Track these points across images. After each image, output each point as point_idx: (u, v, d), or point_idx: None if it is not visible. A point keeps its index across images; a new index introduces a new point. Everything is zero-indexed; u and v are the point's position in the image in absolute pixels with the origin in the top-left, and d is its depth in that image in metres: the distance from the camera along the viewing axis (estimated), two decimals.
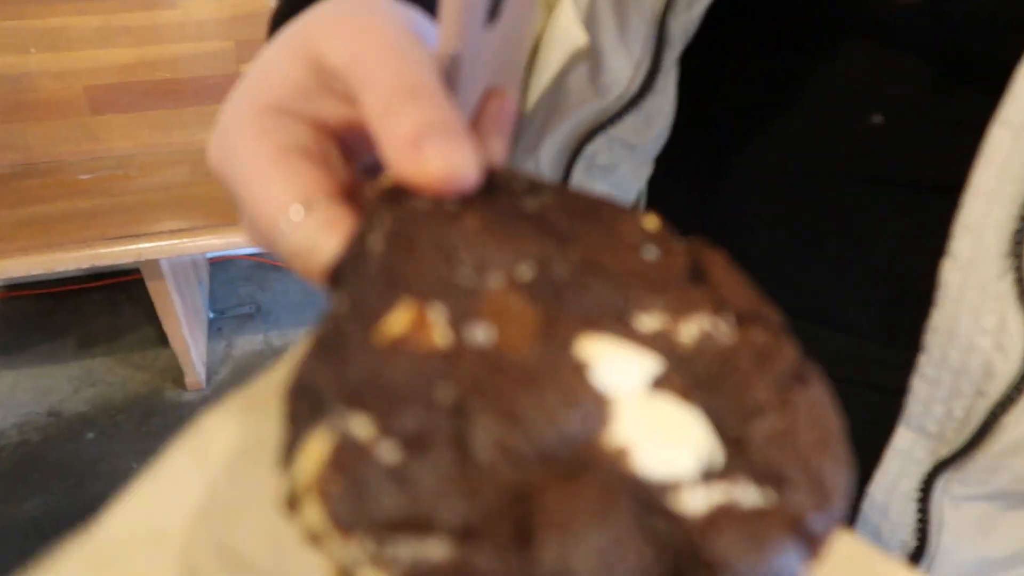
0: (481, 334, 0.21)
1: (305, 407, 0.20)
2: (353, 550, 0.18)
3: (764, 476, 0.20)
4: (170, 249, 1.45)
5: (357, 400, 0.19)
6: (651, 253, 0.24)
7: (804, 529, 0.19)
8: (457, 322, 0.21)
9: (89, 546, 0.24)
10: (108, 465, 1.52)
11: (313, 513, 0.18)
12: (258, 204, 0.25)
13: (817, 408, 0.21)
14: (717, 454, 0.20)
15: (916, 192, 0.35)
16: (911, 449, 0.34)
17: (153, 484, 0.25)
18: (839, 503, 0.20)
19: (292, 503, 0.19)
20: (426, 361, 0.20)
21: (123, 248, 1.42)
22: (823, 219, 0.38)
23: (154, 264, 1.51)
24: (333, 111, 0.26)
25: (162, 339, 1.65)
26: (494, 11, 0.26)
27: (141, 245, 1.43)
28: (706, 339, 0.22)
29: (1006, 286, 0.30)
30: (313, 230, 0.25)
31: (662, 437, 0.20)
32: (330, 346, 0.21)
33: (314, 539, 0.19)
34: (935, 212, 0.32)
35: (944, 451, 0.33)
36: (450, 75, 0.26)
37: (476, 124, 0.28)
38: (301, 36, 0.26)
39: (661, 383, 0.21)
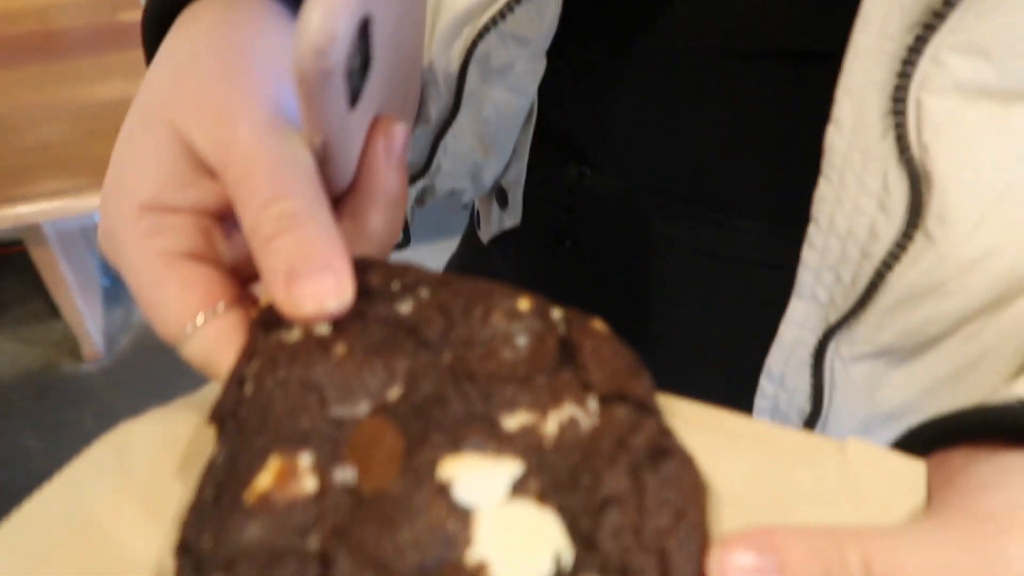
0: (346, 474, 0.22)
1: (189, 568, 0.22)
2: None
3: (610, 571, 0.21)
4: (53, 212, 1.36)
5: (230, 566, 0.21)
6: (523, 340, 0.26)
7: None
8: (324, 465, 0.23)
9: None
10: (4, 445, 1.44)
11: None
12: (155, 317, 0.27)
13: (670, 485, 0.23)
14: (568, 557, 0.22)
15: (798, 62, 0.35)
16: (804, 319, 0.36)
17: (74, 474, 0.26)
18: None
19: None
20: (293, 513, 0.22)
21: (0, 213, 1.33)
22: (710, 99, 0.38)
23: (37, 230, 1.42)
24: (210, 195, 0.27)
25: (53, 311, 1.56)
26: (355, 96, 0.26)
27: (20, 209, 1.34)
28: (570, 428, 0.24)
29: (888, 145, 0.31)
30: (207, 347, 0.26)
31: (517, 548, 0.22)
32: (209, 503, 0.23)
33: None
34: (817, 81, 0.33)
35: (834, 316, 0.34)
36: (321, 158, 0.27)
37: (366, 161, 0.29)
38: (165, 120, 0.27)
39: (520, 489, 0.23)
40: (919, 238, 0.32)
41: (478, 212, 0.54)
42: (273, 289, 0.25)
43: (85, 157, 1.45)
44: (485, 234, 0.52)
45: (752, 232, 0.39)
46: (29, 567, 0.23)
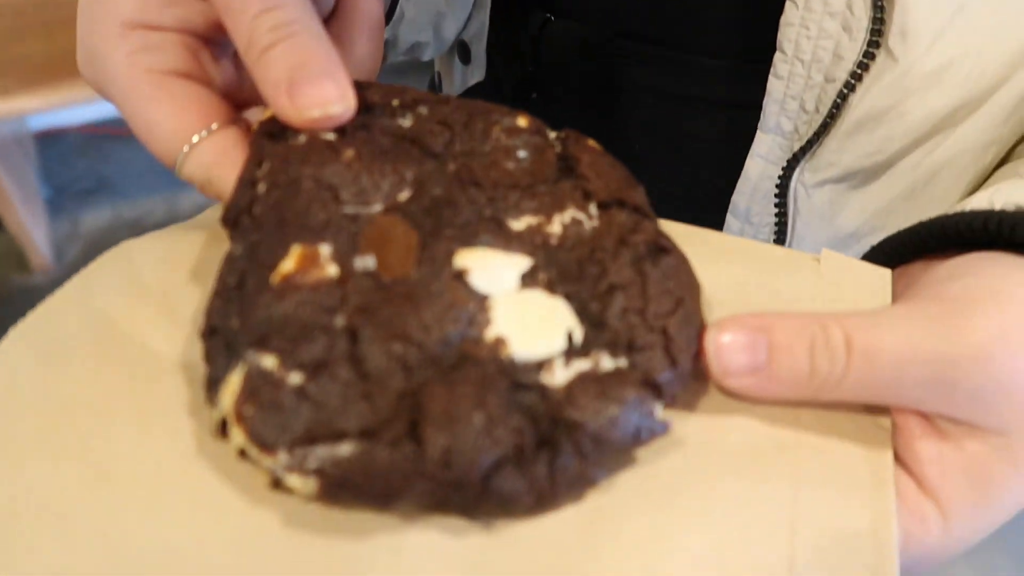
0: (366, 263, 0.23)
1: (219, 347, 0.23)
2: (275, 463, 0.20)
3: (618, 346, 0.23)
4: None
5: (263, 340, 0.22)
6: (523, 153, 0.27)
7: (653, 383, 0.23)
8: (343, 255, 0.23)
9: None
10: None
11: (238, 436, 0.21)
12: (149, 137, 0.26)
13: (669, 277, 0.24)
14: (579, 334, 0.23)
15: None
16: (769, 151, 0.37)
17: None
18: (686, 359, 0.23)
19: (222, 429, 0.22)
20: (318, 294, 0.22)
21: None
22: None
23: None
24: (196, 14, 0.27)
25: None
26: None
27: None
28: (573, 228, 0.26)
29: None
30: (208, 162, 0.26)
31: (531, 327, 0.23)
32: (233, 288, 0.23)
33: (244, 456, 0.21)
34: None
35: (797, 145, 0.35)
36: None
37: (340, 28, 0.28)
38: None
39: (529, 280, 0.24)
40: (881, 56, 0.33)
41: (439, 75, 0.53)
42: (275, 98, 0.24)
43: (10, 58, 1.37)
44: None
45: (717, 71, 0.39)
46: (53, 362, 0.24)
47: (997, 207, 0.28)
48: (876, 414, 0.25)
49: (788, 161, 0.37)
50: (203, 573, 0.20)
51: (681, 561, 0.21)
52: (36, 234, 1.53)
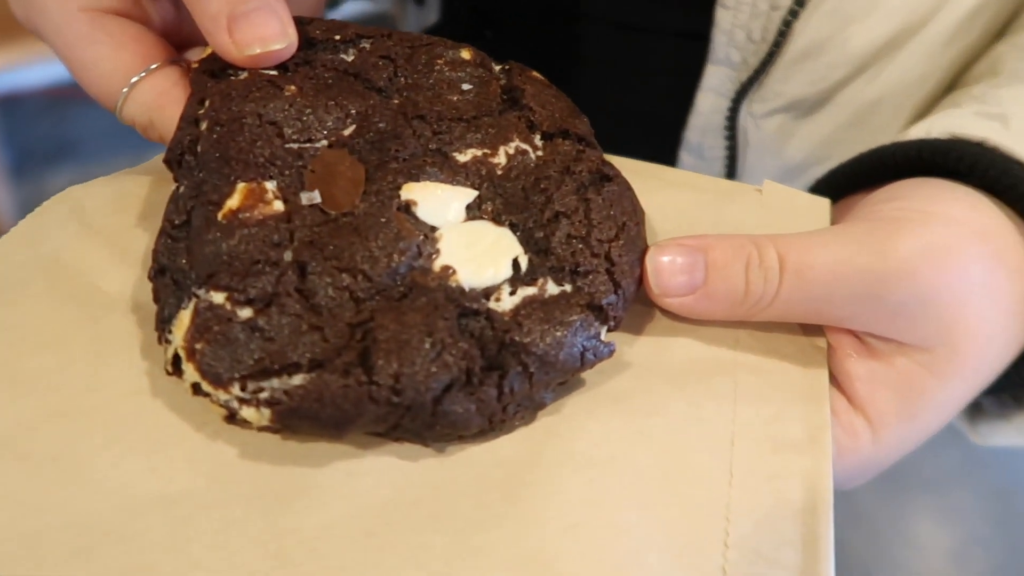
0: (312, 197, 0.23)
1: (168, 286, 0.23)
2: (229, 396, 0.21)
3: (563, 271, 0.24)
4: None
5: (211, 276, 0.22)
6: (467, 86, 0.27)
7: (598, 307, 0.23)
8: (288, 190, 0.23)
9: None
10: None
11: (191, 372, 0.21)
12: (88, 78, 0.26)
13: (612, 203, 0.25)
14: (524, 261, 0.24)
15: None
16: (719, 84, 0.37)
17: None
18: (629, 283, 0.24)
19: (174, 367, 0.22)
20: (265, 229, 0.22)
21: None
22: None
23: None
24: None
25: None
26: None
27: None
28: (518, 158, 0.26)
29: None
30: (149, 102, 0.26)
31: (478, 256, 0.23)
32: (179, 227, 0.23)
33: (197, 392, 0.21)
34: None
35: (745, 75, 0.35)
36: None
37: None
38: None
39: (475, 211, 0.24)
40: None
41: (393, 20, 0.52)
42: (214, 35, 0.24)
43: None
44: None
45: (668, 1, 0.39)
46: (5, 302, 0.24)
47: (933, 136, 0.29)
48: (812, 335, 0.26)
49: (736, 92, 0.37)
50: (162, 504, 0.20)
51: (626, 473, 0.22)
52: (0, 199, 1.50)
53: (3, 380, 0.22)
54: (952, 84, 0.38)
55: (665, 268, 0.24)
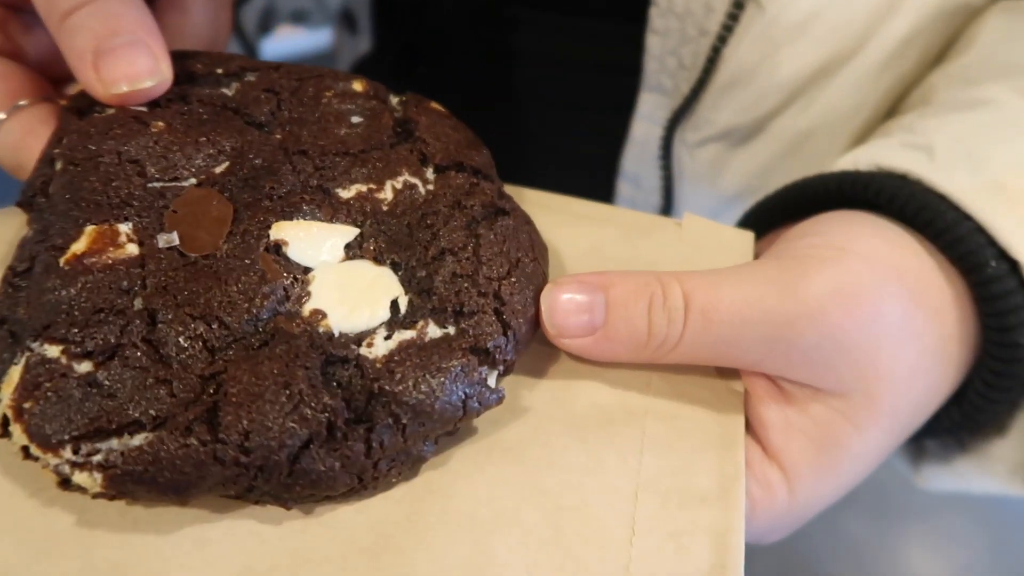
0: (170, 240, 0.21)
1: (3, 340, 0.21)
2: (60, 460, 0.19)
3: (446, 313, 0.22)
4: None
5: (47, 328, 0.20)
6: (357, 119, 0.25)
7: (483, 350, 0.21)
8: (145, 232, 0.21)
9: None
10: None
11: (18, 434, 0.19)
12: None
13: (506, 238, 0.23)
14: (404, 303, 0.22)
15: None
16: (652, 111, 0.36)
17: None
18: (521, 323, 0.22)
19: (2, 428, 0.20)
20: (113, 275, 0.21)
21: None
22: None
23: None
24: None
25: None
26: None
27: None
28: (406, 193, 0.24)
29: None
30: (15, 142, 0.24)
31: (353, 298, 0.21)
32: (20, 274, 0.21)
33: (27, 455, 0.19)
34: None
35: (677, 102, 0.34)
36: None
37: None
38: None
39: (355, 250, 0.23)
40: (750, 6, 0.32)
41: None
42: (80, 71, 0.23)
43: None
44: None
45: (599, 34, 0.38)
46: None
47: (860, 167, 0.28)
48: (728, 378, 0.25)
49: (669, 120, 0.36)
50: None
51: (512, 533, 0.20)
52: None
53: None
54: (889, 112, 0.37)
55: (561, 306, 0.22)
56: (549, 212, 0.26)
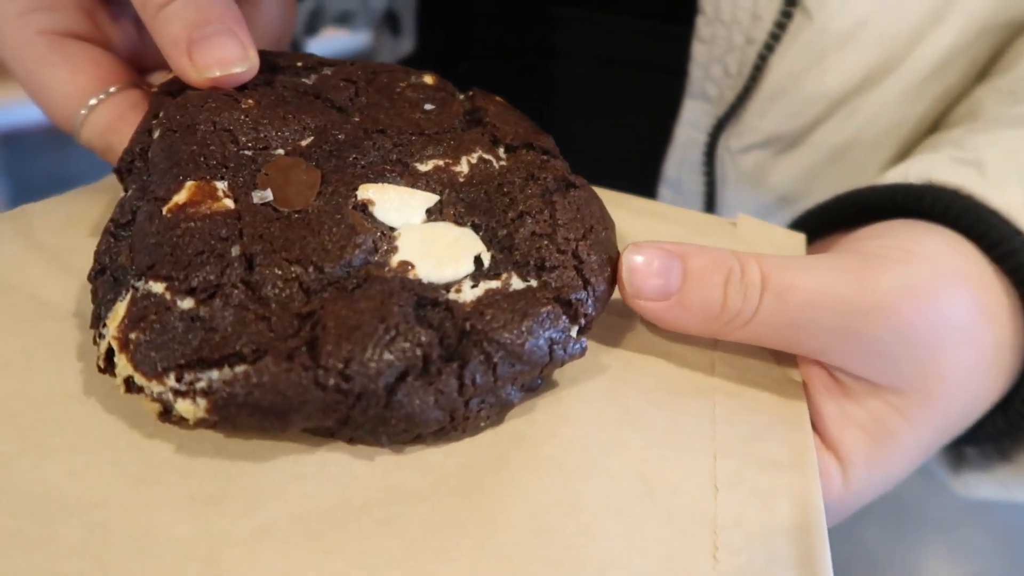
0: (263, 196, 0.23)
1: (107, 284, 0.22)
2: (163, 388, 0.19)
3: (528, 267, 0.23)
4: None
5: (151, 268, 0.21)
6: (430, 105, 0.27)
7: (565, 301, 0.22)
8: (240, 190, 0.23)
9: None
10: None
11: (122, 364, 0.20)
12: (45, 101, 0.26)
13: (579, 206, 0.24)
14: (487, 258, 0.23)
15: None
16: (696, 118, 0.36)
17: None
18: (599, 281, 0.23)
19: (107, 363, 0.20)
20: (213, 222, 0.21)
21: None
22: None
23: None
24: None
25: None
26: None
27: None
28: (480, 167, 0.25)
29: None
30: (106, 125, 0.25)
31: (437, 253, 0.22)
32: (123, 226, 0.23)
33: (130, 388, 0.20)
34: None
35: (722, 110, 0.35)
36: None
37: None
38: None
39: (437, 212, 0.24)
40: (798, 14, 0.33)
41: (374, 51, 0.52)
42: (175, 58, 0.24)
43: None
44: None
45: (643, 33, 0.39)
46: None
47: (910, 180, 0.28)
48: (788, 367, 0.25)
49: (713, 127, 0.37)
50: (79, 509, 0.19)
51: (600, 479, 0.21)
52: None
53: None
54: (933, 126, 0.37)
55: (640, 268, 0.23)
56: (609, 205, 0.26)
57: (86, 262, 0.25)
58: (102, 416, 0.21)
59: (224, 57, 0.24)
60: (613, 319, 0.25)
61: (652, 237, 0.26)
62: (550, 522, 0.20)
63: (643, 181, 0.41)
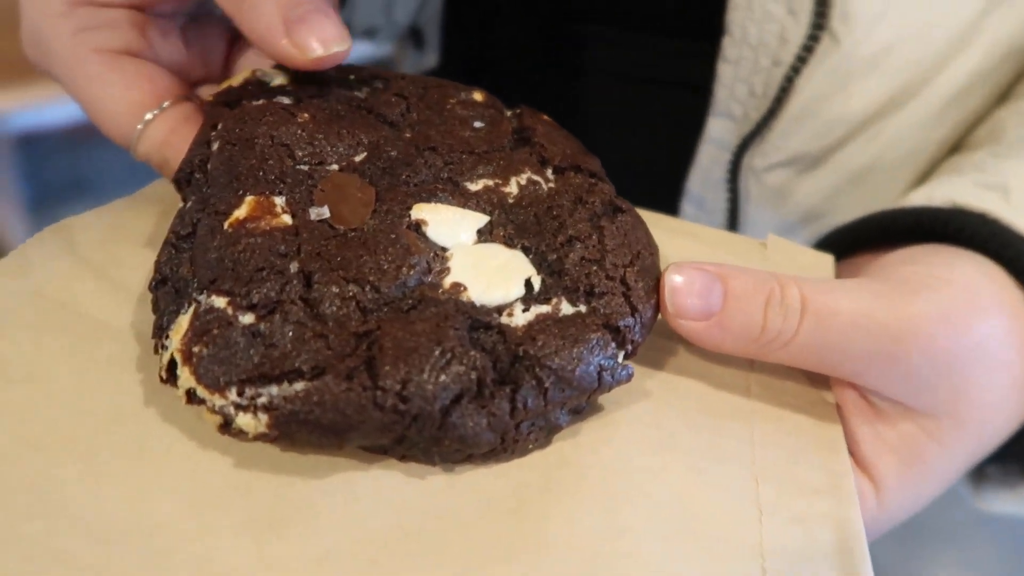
0: (320, 213, 0.23)
1: (168, 295, 0.22)
2: (225, 401, 0.20)
3: (578, 292, 0.23)
4: None
5: (213, 282, 0.21)
6: (479, 123, 0.27)
7: (614, 328, 0.22)
8: (298, 205, 0.23)
9: None
10: None
11: (186, 376, 0.20)
12: (101, 118, 0.26)
13: (627, 232, 0.24)
14: (537, 282, 0.23)
15: None
16: (721, 137, 0.37)
17: None
18: (646, 308, 0.23)
19: (169, 373, 0.21)
20: (272, 239, 0.22)
21: None
22: None
23: None
24: None
25: None
26: None
27: None
28: (530, 189, 0.25)
29: None
30: (163, 139, 0.26)
31: (489, 275, 0.23)
32: (184, 238, 0.23)
33: (191, 399, 0.20)
34: None
35: (747, 129, 0.35)
36: None
37: None
38: None
39: (487, 235, 0.24)
40: (825, 38, 0.33)
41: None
42: (273, 43, 0.24)
43: None
44: None
45: (669, 51, 0.39)
46: None
47: (935, 204, 0.29)
48: (822, 389, 0.25)
49: (738, 146, 0.37)
50: (140, 535, 0.19)
51: (645, 505, 0.21)
52: (16, 234, 1.53)
53: None
54: (955, 146, 0.38)
55: (681, 288, 0.23)
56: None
57: (133, 276, 0.25)
58: (159, 437, 0.21)
59: (324, 36, 0.24)
60: (652, 338, 0.25)
61: (686, 257, 0.27)
62: (596, 548, 0.20)
63: (666, 197, 0.41)
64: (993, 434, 0.26)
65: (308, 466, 0.21)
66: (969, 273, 0.26)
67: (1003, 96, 0.37)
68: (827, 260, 0.30)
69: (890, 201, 0.31)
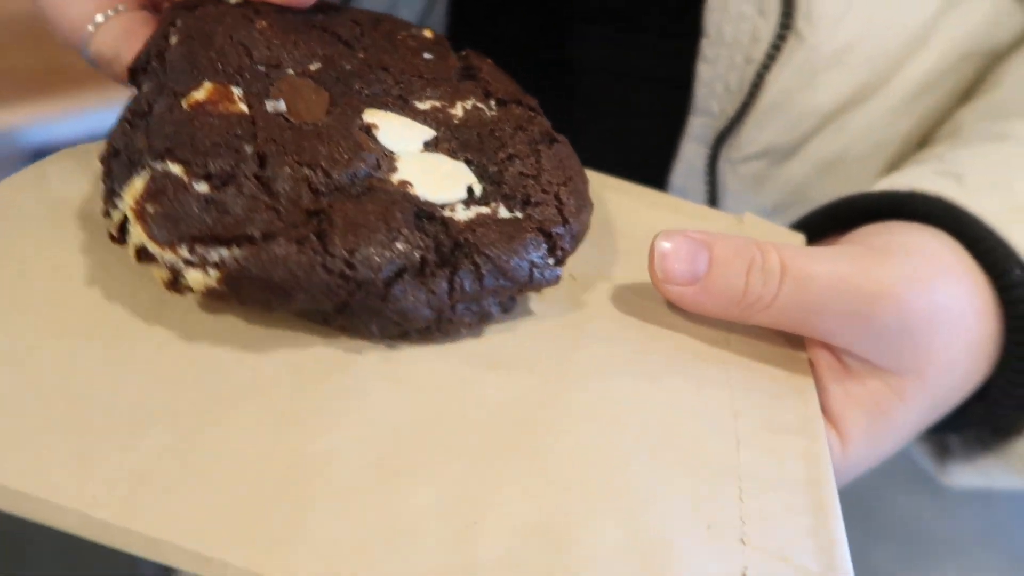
0: (277, 107, 0.24)
1: (121, 164, 0.23)
2: (174, 257, 0.21)
3: (515, 200, 0.25)
4: None
5: (170, 151, 0.22)
6: (428, 56, 0.29)
7: (547, 232, 0.24)
8: (255, 98, 0.24)
9: None
10: None
11: (136, 234, 0.21)
12: (54, 16, 0.27)
13: (562, 159, 0.26)
14: (478, 189, 0.25)
15: None
16: (701, 133, 0.39)
17: None
18: (576, 221, 0.25)
19: (119, 233, 0.22)
20: (229, 122, 0.23)
21: None
22: None
23: None
24: None
25: None
26: None
27: None
28: (474, 113, 0.28)
29: None
30: (115, 38, 0.26)
31: (434, 179, 0.24)
32: (139, 115, 0.24)
33: (141, 257, 0.21)
34: None
35: (722, 124, 0.37)
36: None
37: None
38: None
39: (433, 145, 0.26)
40: (791, 37, 0.36)
41: None
42: None
43: None
44: None
45: (656, 49, 0.41)
46: (9, 233, 0.24)
47: (896, 188, 0.31)
48: (795, 348, 0.28)
49: (715, 140, 0.40)
50: (168, 416, 0.20)
51: (632, 427, 0.23)
52: None
53: (3, 303, 0.22)
54: (920, 143, 0.41)
55: (669, 254, 0.25)
56: (622, 193, 0.28)
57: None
58: (183, 327, 0.22)
59: None
60: (637, 301, 0.27)
61: (666, 228, 0.29)
62: (594, 456, 0.22)
63: (650, 186, 0.43)
64: (949, 394, 0.28)
65: (326, 371, 0.22)
66: (931, 243, 0.28)
67: (965, 96, 0.40)
68: (799, 239, 0.32)
69: (859, 190, 0.33)
